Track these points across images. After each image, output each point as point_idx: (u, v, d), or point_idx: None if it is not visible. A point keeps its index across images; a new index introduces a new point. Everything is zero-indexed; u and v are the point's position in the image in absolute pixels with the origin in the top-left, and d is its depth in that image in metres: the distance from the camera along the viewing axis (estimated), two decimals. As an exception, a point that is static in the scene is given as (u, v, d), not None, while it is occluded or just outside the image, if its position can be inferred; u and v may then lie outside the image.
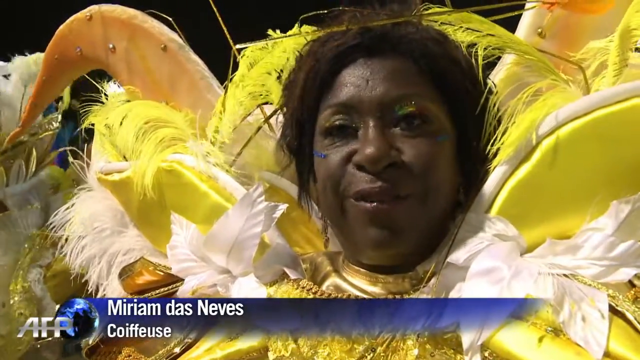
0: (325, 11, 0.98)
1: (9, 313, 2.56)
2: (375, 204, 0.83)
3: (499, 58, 1.03)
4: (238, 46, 1.14)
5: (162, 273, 1.07)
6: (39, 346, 2.62)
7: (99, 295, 1.21)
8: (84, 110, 1.31)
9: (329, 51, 0.90)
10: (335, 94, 0.88)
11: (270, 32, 1.22)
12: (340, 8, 0.95)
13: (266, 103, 1.21)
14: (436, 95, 0.87)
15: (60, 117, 2.63)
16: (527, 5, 1.04)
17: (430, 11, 0.96)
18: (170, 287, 1.05)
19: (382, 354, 0.81)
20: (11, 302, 2.56)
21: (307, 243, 1.12)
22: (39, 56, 2.41)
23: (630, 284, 0.77)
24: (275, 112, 1.19)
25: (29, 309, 2.56)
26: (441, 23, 0.95)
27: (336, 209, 0.88)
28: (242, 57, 1.19)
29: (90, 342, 1.00)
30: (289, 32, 1.11)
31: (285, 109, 1.02)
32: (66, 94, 2.52)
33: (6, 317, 2.57)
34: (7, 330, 2.58)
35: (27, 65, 2.51)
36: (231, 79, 1.16)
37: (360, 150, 0.84)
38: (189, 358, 0.91)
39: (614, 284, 0.76)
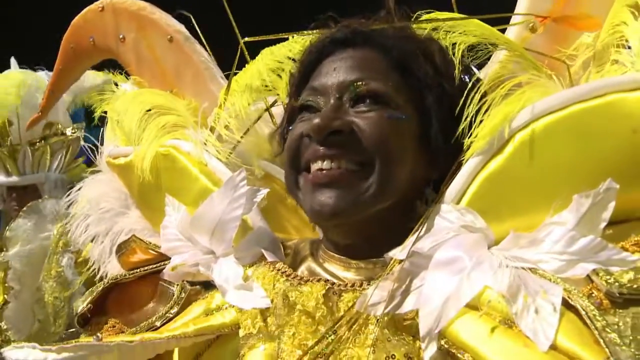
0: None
1: (43, 298, 2.72)
2: (319, 172, 0.88)
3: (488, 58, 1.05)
4: (246, 39, 1.18)
5: (153, 252, 1.12)
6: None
7: (100, 272, 1.27)
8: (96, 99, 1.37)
9: (313, 46, 1.01)
10: (312, 79, 0.97)
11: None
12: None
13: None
14: (400, 84, 0.92)
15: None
16: (520, 18, 1.04)
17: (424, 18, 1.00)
18: (159, 264, 1.09)
19: (343, 336, 0.83)
20: (46, 286, 2.69)
21: (297, 231, 1.16)
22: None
23: (588, 279, 0.76)
24: (274, 102, 1.23)
25: (62, 292, 2.69)
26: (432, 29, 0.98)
27: (293, 183, 0.94)
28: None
29: (79, 310, 1.05)
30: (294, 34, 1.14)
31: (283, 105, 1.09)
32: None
33: (42, 301, 2.73)
34: (44, 314, 2.73)
35: None
36: (235, 72, 1.20)
37: (310, 121, 0.89)
38: (165, 328, 0.95)
39: (573, 279, 0.76)
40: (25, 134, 2.75)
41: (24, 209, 2.78)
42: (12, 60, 3.02)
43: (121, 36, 1.36)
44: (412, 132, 0.91)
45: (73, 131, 2.92)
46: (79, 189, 1.36)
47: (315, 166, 0.89)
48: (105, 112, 1.39)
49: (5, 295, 2.73)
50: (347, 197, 0.86)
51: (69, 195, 1.43)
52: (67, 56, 1.50)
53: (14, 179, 2.86)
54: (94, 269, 1.28)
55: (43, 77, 2.91)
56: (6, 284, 2.74)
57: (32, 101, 2.78)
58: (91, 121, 2.95)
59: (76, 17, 1.44)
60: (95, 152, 1.44)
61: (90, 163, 2.81)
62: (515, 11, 1.09)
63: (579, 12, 1.01)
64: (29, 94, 2.80)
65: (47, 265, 2.72)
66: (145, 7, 1.34)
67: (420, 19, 1.00)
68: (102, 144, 1.43)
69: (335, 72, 0.93)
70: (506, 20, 1.07)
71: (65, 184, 2.86)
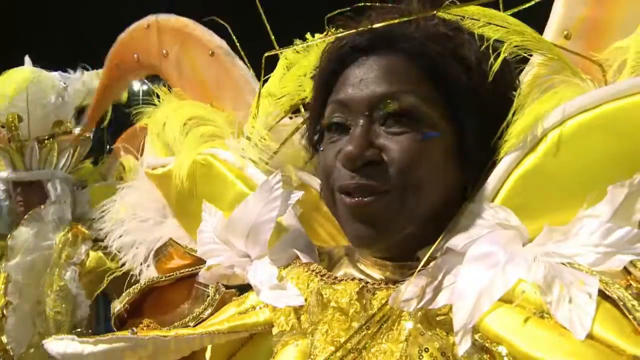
0: (348, 9, 1.02)
1: (45, 311, 2.71)
2: (355, 199, 0.85)
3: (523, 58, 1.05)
4: (267, 54, 1.20)
5: (190, 256, 1.14)
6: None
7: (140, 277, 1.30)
8: (135, 112, 1.42)
9: (333, 52, 0.95)
10: (336, 92, 0.92)
11: (308, 36, 1.27)
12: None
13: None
14: (431, 92, 0.87)
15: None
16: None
17: (449, 7, 0.97)
18: (195, 267, 1.11)
19: (376, 332, 0.83)
20: (47, 300, 2.69)
21: (332, 239, 1.17)
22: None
23: (626, 270, 0.75)
24: (311, 114, 1.25)
25: (65, 307, 2.69)
26: (463, 17, 0.94)
27: (330, 201, 0.91)
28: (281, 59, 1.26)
29: (116, 310, 1.07)
30: (317, 36, 1.16)
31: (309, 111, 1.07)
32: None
33: (43, 314, 2.73)
34: (45, 328, 2.72)
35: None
36: (264, 82, 1.23)
37: (343, 148, 0.86)
38: (200, 325, 0.97)
39: (609, 271, 0.75)
40: (33, 131, 2.79)
41: (26, 216, 2.79)
42: (27, 59, 3.07)
43: (164, 52, 1.42)
44: (446, 147, 0.87)
45: (84, 133, 2.96)
46: (118, 196, 1.40)
47: (348, 193, 0.86)
48: (118, 117, 1.44)
49: (5, 310, 2.72)
50: (381, 231, 0.85)
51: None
52: (111, 72, 1.57)
53: (20, 174, 2.88)
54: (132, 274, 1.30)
55: (56, 77, 2.98)
56: (6, 297, 2.74)
57: (43, 99, 2.85)
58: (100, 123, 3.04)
59: (122, 34, 1.51)
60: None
61: (96, 164, 2.89)
62: (551, 15, 1.10)
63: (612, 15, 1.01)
64: (40, 92, 2.85)
65: (49, 278, 2.72)
66: (188, 24, 1.40)
67: (447, 11, 0.92)
68: (110, 146, 1.47)
69: (362, 85, 0.88)
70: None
71: (71, 184, 2.92)
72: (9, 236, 2.78)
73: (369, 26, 0.91)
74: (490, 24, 0.92)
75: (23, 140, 2.82)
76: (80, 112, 2.98)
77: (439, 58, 0.87)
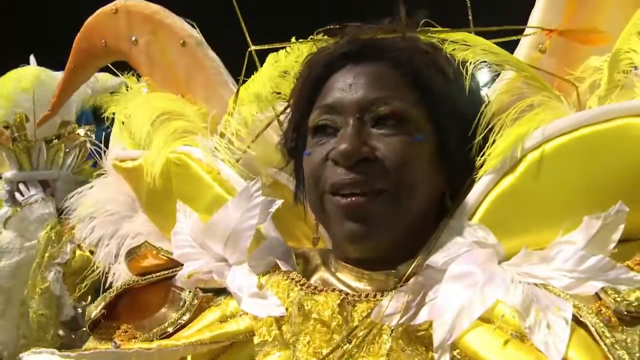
0: (337, 26, 1.03)
1: (28, 312, 2.65)
2: (349, 199, 0.88)
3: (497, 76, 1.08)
4: (254, 47, 1.19)
5: (164, 257, 1.14)
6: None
7: (109, 278, 1.28)
8: (105, 99, 1.38)
9: (321, 59, 0.98)
10: (323, 97, 0.95)
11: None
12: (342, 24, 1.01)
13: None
14: (417, 100, 0.91)
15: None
16: (527, 31, 1.07)
17: (432, 30, 1.00)
18: (170, 270, 1.11)
19: (357, 345, 0.86)
20: (30, 302, 2.62)
21: (306, 239, 1.18)
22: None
23: (597, 296, 0.79)
24: (283, 110, 1.24)
25: (49, 309, 2.63)
26: (440, 41, 0.98)
27: (318, 204, 0.94)
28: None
29: (92, 316, 1.06)
30: (300, 40, 1.15)
31: (288, 115, 1.08)
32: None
33: (26, 316, 2.66)
34: (29, 331, 2.66)
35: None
36: (244, 79, 1.21)
37: (336, 146, 0.89)
38: (180, 335, 0.97)
39: (582, 296, 0.79)
40: (40, 131, 2.74)
41: (10, 218, 2.73)
42: (32, 58, 3.02)
43: (133, 38, 1.37)
44: (431, 151, 0.92)
45: (87, 132, 2.94)
46: (83, 191, 1.36)
47: (342, 191, 0.89)
48: (114, 113, 1.40)
49: None
50: (374, 229, 0.88)
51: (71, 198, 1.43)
52: (79, 56, 1.51)
53: (27, 173, 2.83)
54: (99, 273, 1.28)
55: (59, 77, 2.90)
56: None
57: (48, 99, 2.74)
58: (100, 123, 2.97)
59: (89, 18, 1.44)
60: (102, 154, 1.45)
61: (96, 165, 2.83)
62: (529, 22, 1.12)
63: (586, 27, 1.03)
64: (45, 92, 2.75)
65: (32, 280, 2.65)
66: (158, 11, 1.35)
67: (423, 30, 0.99)
68: (107, 146, 1.43)
69: (351, 89, 0.92)
70: (515, 33, 1.09)
71: (77, 184, 2.85)
72: None
73: (357, 35, 0.96)
74: (465, 44, 0.96)
75: (30, 140, 2.77)
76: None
77: (424, 68, 0.93)
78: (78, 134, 2.88)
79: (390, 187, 0.88)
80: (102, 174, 1.39)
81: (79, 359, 0.83)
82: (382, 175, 0.88)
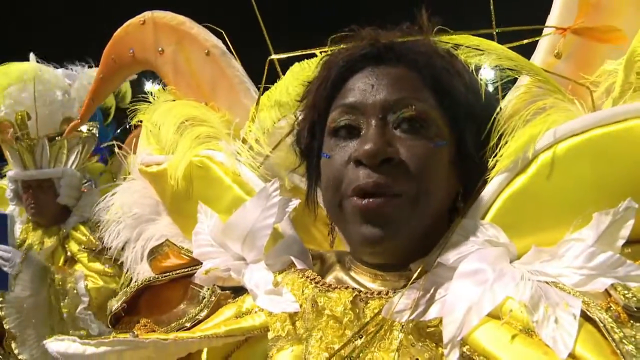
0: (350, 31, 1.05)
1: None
2: (368, 200, 0.88)
3: (513, 81, 1.09)
4: (273, 56, 1.23)
5: (186, 256, 1.17)
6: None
7: (133, 280, 1.32)
8: (132, 109, 1.43)
9: (340, 60, 0.99)
10: (344, 97, 0.96)
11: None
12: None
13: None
14: (437, 103, 0.93)
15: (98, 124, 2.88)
16: (543, 31, 1.08)
17: (448, 35, 1.02)
18: (190, 268, 1.14)
19: (368, 341, 0.87)
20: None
21: (324, 239, 1.20)
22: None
23: (607, 293, 0.80)
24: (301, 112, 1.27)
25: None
26: (454, 46, 0.99)
27: (336, 207, 0.94)
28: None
29: (113, 309, 1.10)
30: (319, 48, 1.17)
31: (302, 115, 1.09)
32: (110, 97, 2.74)
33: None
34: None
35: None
36: (265, 87, 1.25)
37: (359, 146, 0.90)
38: (197, 329, 1.00)
39: (592, 293, 0.80)
40: (42, 129, 2.78)
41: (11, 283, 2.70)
42: (32, 56, 3.05)
43: (160, 49, 1.42)
44: (450, 155, 0.93)
45: (89, 128, 2.96)
46: (113, 195, 1.41)
47: (365, 191, 0.88)
48: (126, 116, 1.45)
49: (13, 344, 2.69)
50: (393, 232, 0.89)
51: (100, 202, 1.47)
52: (107, 66, 1.57)
53: (31, 172, 2.86)
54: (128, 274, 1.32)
55: (60, 74, 2.97)
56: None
57: (49, 96, 2.84)
58: (105, 120, 3.04)
59: (118, 30, 1.50)
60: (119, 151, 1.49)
61: (105, 161, 2.86)
62: (547, 22, 1.13)
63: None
64: (46, 89, 2.83)
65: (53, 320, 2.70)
66: (184, 22, 1.40)
67: (441, 34, 1.00)
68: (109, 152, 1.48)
69: (374, 90, 0.92)
70: (531, 36, 1.10)
71: (81, 181, 2.90)
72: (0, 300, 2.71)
73: (376, 38, 0.97)
74: (478, 49, 0.97)
75: (33, 138, 2.80)
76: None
77: (444, 71, 0.94)
78: (81, 130, 2.89)
79: (411, 191, 0.88)
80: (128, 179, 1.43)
81: (99, 346, 0.86)
82: (404, 179, 0.88)
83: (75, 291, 2.68)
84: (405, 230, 0.90)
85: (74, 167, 2.90)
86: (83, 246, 2.81)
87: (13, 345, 2.68)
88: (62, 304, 2.67)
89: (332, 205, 0.96)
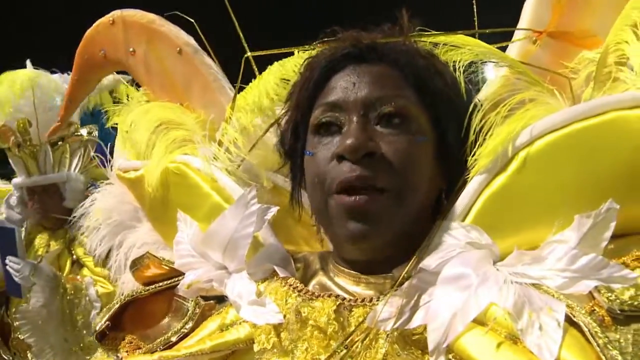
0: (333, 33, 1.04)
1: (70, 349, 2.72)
2: (354, 197, 0.88)
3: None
4: (250, 54, 1.20)
5: (167, 267, 1.15)
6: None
7: (117, 288, 1.30)
8: (106, 110, 1.40)
9: (322, 60, 0.99)
10: (326, 95, 0.96)
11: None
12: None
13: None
14: (418, 100, 0.93)
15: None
16: (517, 34, 1.06)
17: (426, 34, 1.01)
18: (173, 280, 1.12)
19: (354, 351, 0.86)
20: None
21: (305, 243, 1.18)
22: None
23: (591, 295, 0.79)
24: (283, 114, 1.24)
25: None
26: (434, 45, 1.00)
27: (321, 205, 0.94)
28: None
29: (97, 328, 1.09)
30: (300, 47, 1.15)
31: (285, 117, 1.08)
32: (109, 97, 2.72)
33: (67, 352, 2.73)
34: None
35: None
36: (241, 85, 1.22)
37: (341, 142, 0.90)
38: (181, 346, 0.99)
39: (576, 295, 0.79)
40: (43, 134, 2.76)
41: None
42: (28, 63, 3.04)
43: (131, 49, 1.38)
44: (431, 151, 0.93)
45: (89, 131, 2.96)
46: (92, 201, 1.38)
47: (349, 185, 0.89)
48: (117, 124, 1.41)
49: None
50: (378, 228, 0.89)
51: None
52: (81, 67, 1.52)
53: (36, 178, 2.86)
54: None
55: (58, 80, 2.94)
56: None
57: (49, 102, 2.83)
58: (96, 121, 3.00)
59: (89, 30, 1.46)
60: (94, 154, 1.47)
61: (103, 164, 2.85)
62: (520, 21, 1.12)
63: (577, 27, 1.03)
64: (45, 95, 2.82)
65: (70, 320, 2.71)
66: (154, 20, 1.36)
67: (421, 34, 1.01)
68: (111, 154, 1.45)
69: (355, 88, 0.93)
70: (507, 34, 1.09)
71: (85, 185, 2.89)
72: (13, 310, 2.72)
73: (358, 39, 0.98)
74: (455, 46, 0.98)
75: (35, 144, 2.80)
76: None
77: (425, 70, 0.95)
78: (81, 134, 2.91)
79: (394, 187, 0.89)
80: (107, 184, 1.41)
81: (82, 374, 0.85)
82: (386, 174, 0.89)
83: (87, 298, 2.70)
84: (390, 226, 0.89)
85: (77, 170, 2.90)
86: (89, 250, 2.82)
87: (29, 355, 2.72)
88: (75, 311, 2.68)
89: (317, 203, 0.96)
